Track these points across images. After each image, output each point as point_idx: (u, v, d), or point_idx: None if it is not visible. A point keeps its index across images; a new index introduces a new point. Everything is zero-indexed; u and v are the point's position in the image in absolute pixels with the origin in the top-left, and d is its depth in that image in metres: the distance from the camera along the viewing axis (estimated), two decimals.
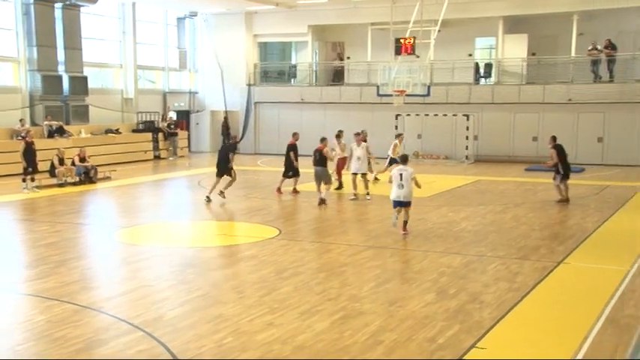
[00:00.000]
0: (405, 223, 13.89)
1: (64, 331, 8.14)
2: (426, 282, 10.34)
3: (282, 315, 8.70)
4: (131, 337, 7.93)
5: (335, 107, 32.22)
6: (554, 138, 18.46)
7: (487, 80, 31.10)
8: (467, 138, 29.32)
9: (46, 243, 13.33)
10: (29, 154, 20.05)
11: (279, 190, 19.68)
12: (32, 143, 20.44)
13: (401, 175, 13.70)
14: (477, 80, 30.96)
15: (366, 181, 18.84)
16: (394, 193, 13.80)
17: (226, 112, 35.02)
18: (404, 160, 14.31)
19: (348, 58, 34.25)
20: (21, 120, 25.72)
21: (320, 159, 17.87)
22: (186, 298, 9.54)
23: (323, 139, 18.32)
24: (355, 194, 18.54)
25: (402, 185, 13.66)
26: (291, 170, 19.71)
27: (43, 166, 21.56)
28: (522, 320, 8.76)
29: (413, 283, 10.33)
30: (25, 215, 17.16)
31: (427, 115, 29.87)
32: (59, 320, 8.54)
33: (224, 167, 18.39)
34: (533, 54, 30.62)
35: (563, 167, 17.98)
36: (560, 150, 18.10)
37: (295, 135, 20.40)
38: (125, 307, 9.13)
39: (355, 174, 18.70)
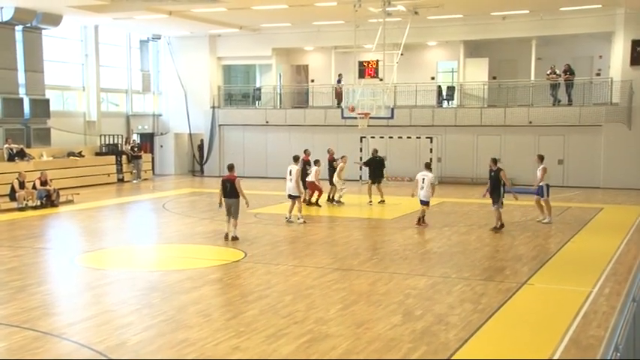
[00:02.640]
0: (420, 218, 17.45)
1: (24, 358, 7.95)
2: (392, 304, 10.36)
3: (248, 339, 8.63)
4: None
5: (300, 130, 32.30)
6: (495, 160, 17.38)
7: (450, 103, 31.57)
8: (430, 160, 29.56)
9: (5, 268, 13.04)
10: None
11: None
12: None
13: (423, 179, 17.25)
14: (439, 103, 31.38)
15: (299, 204, 18.65)
16: (419, 194, 17.37)
17: (202, 140, 34.94)
18: (427, 166, 17.94)
19: (312, 80, 34.46)
20: None
21: (231, 190, 15.68)
22: (150, 322, 9.41)
23: (232, 167, 16.53)
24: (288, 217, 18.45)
25: (423, 187, 17.16)
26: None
27: (3, 189, 21.16)
28: (488, 341, 8.83)
29: (379, 305, 10.35)
30: None
31: (391, 137, 30.12)
32: (19, 348, 8.34)
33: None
34: (494, 77, 31.23)
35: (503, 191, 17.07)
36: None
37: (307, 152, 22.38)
38: (88, 333, 8.96)
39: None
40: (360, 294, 11.09)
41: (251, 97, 35.42)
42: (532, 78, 29.78)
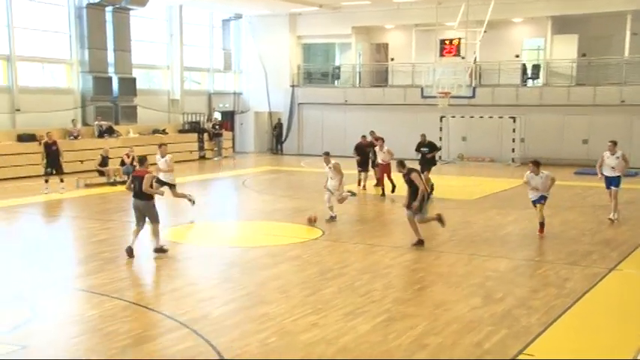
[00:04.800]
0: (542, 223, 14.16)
1: (115, 326, 8.31)
2: (471, 286, 10.22)
3: (325, 315, 8.71)
4: (178, 334, 8.05)
5: (379, 109, 32.11)
6: (401, 163, 13.27)
7: (535, 82, 30.64)
8: (513, 140, 28.91)
9: (97, 240, 13.64)
10: (50, 155, 19.50)
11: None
12: (53, 144, 19.60)
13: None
14: (524, 82, 30.51)
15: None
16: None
17: (280, 118, 35.32)
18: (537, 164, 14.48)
19: (392, 59, 34.12)
20: (73, 120, 26.43)
21: (141, 189, 12.09)
22: (231, 296, 9.63)
23: (143, 161, 12.77)
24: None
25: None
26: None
27: (87, 165, 22.05)
28: (572, 328, 8.58)
29: (458, 286, 10.22)
30: (76, 213, 17.57)
31: (472, 117, 29.56)
32: (110, 315, 8.73)
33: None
34: (584, 55, 30.00)
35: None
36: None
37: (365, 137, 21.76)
38: (172, 305, 9.26)
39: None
40: (439, 275, 10.99)
41: (330, 76, 35.45)
42: (626, 54, 28.43)
